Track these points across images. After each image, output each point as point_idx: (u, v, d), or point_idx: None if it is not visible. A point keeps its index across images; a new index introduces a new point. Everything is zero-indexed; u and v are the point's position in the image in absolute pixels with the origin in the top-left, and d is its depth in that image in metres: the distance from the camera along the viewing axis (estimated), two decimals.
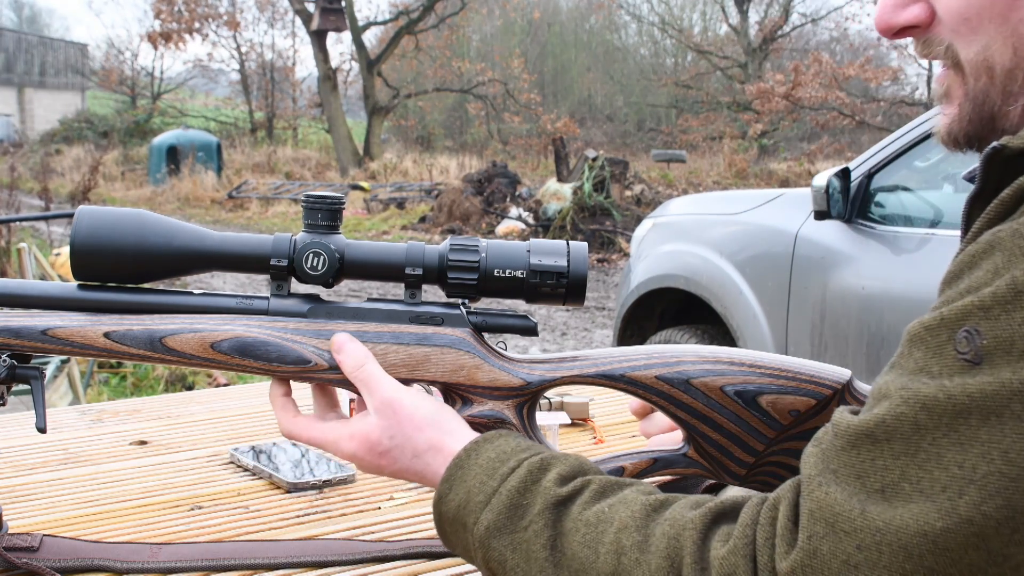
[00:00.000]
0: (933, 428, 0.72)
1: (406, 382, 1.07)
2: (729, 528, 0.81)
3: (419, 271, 1.06)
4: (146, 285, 1.09)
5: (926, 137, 3.43)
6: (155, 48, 27.92)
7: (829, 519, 0.74)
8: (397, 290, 1.09)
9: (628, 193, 13.77)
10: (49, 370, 4.47)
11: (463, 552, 0.94)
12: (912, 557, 0.71)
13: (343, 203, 1.07)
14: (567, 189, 13.07)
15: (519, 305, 7.09)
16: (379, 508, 1.35)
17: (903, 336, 0.77)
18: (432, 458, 0.98)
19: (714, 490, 1.15)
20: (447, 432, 0.99)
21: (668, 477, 1.13)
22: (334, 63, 24.56)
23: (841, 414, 0.78)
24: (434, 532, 1.00)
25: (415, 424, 0.99)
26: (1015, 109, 0.81)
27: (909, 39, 0.87)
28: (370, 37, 26.17)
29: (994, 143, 0.77)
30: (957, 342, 0.72)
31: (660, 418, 1.15)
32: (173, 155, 19.77)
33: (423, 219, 14.09)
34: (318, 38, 22.42)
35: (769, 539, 0.78)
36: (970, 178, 0.85)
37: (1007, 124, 0.81)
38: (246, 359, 1.05)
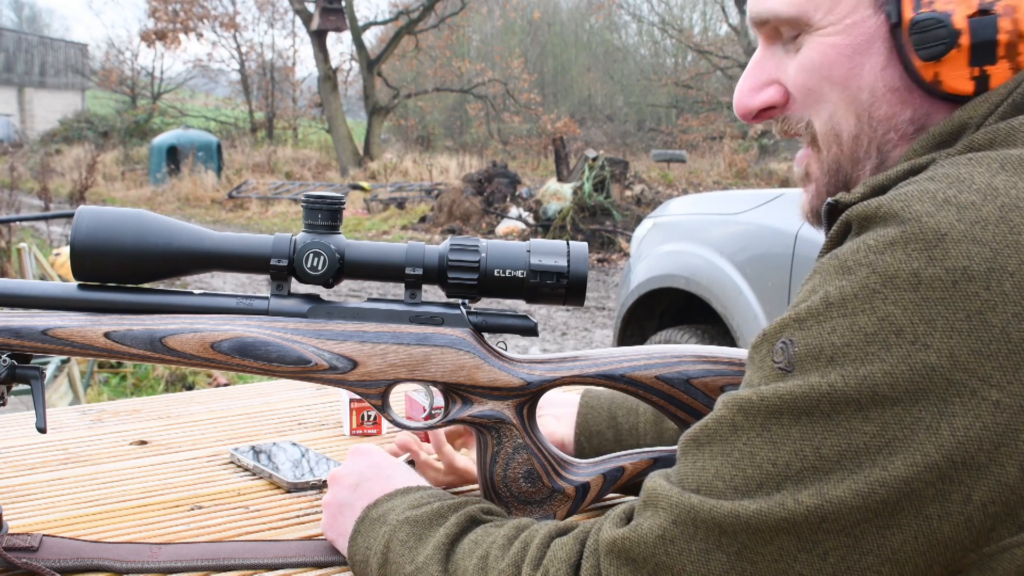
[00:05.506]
0: (748, 428, 0.77)
1: (406, 382, 1.08)
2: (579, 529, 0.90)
3: (419, 271, 1.06)
4: (146, 285, 1.09)
5: None
6: (150, 47, 27.90)
7: (652, 500, 0.81)
8: (397, 290, 1.09)
9: (628, 193, 13.77)
10: (49, 370, 4.47)
11: (363, 548, 1.01)
12: (726, 533, 0.75)
13: (343, 203, 1.07)
14: (567, 189, 13.06)
15: (519, 305, 7.09)
16: None
17: None
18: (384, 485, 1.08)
19: None
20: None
21: None
22: (334, 63, 24.56)
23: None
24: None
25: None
26: (863, 174, 0.88)
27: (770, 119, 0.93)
28: (370, 37, 26.21)
29: (829, 199, 0.84)
30: (774, 353, 0.78)
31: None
32: (173, 155, 19.75)
33: (423, 219, 14.09)
34: (318, 38, 22.41)
35: (599, 523, 0.86)
36: None
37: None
38: (246, 359, 1.06)
